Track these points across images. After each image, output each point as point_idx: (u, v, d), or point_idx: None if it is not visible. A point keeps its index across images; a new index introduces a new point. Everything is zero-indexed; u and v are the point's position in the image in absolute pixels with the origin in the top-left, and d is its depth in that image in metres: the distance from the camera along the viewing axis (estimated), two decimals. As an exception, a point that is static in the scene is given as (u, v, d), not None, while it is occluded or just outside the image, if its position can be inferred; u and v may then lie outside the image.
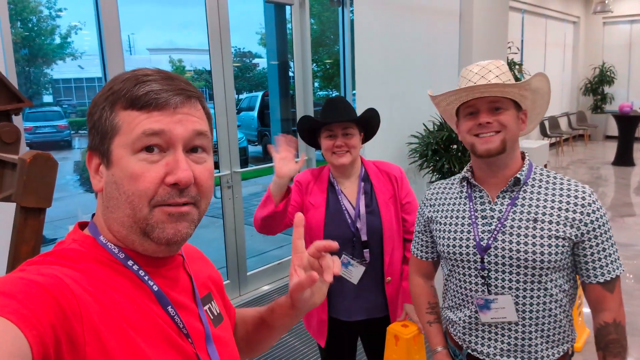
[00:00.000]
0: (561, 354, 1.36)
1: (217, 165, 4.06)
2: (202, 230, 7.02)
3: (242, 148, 11.85)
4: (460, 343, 1.46)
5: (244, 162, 11.57)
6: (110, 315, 0.64)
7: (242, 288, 4.20)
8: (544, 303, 1.31)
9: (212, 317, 0.83)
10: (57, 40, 23.82)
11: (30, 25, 22.35)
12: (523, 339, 1.34)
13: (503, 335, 1.36)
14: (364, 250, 1.87)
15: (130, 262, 0.71)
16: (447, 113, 1.47)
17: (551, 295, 1.31)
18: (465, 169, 1.45)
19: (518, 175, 1.34)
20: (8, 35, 2.81)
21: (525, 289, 1.31)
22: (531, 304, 1.31)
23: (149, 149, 0.68)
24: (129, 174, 0.68)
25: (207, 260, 0.97)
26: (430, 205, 1.52)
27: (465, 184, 1.44)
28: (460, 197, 1.44)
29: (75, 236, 0.73)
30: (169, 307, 0.73)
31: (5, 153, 1.52)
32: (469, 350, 1.43)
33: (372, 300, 1.93)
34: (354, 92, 4.39)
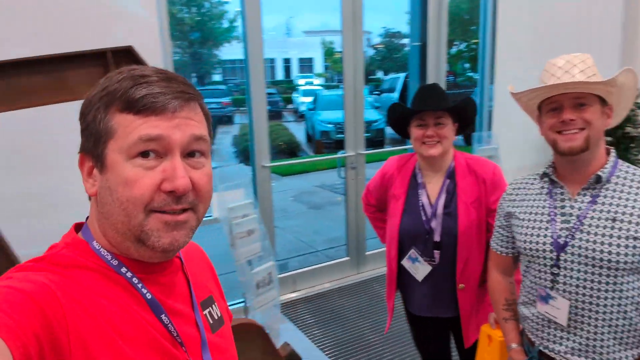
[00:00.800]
0: (635, 356, 1.31)
1: (342, 145, 4.17)
2: (335, 207, 7.27)
3: (380, 129, 11.92)
4: (533, 339, 1.46)
5: (379, 144, 11.59)
6: (98, 324, 0.63)
7: (361, 266, 4.30)
8: (619, 305, 1.28)
9: (211, 322, 0.81)
10: (225, 24, 26.32)
11: (202, 10, 25.05)
12: (595, 339, 1.31)
13: (575, 334, 1.34)
14: (435, 250, 1.80)
15: (123, 270, 0.70)
16: (529, 108, 1.41)
17: (627, 298, 1.27)
18: (546, 165, 1.42)
19: (600, 173, 1.30)
20: (165, 21, 3.21)
21: (599, 289, 1.28)
22: (605, 305, 1.28)
23: (144, 154, 0.66)
24: (123, 179, 0.65)
25: (209, 260, 0.94)
26: (510, 200, 1.50)
27: (547, 180, 1.41)
28: (541, 194, 1.42)
29: (69, 240, 0.71)
30: (163, 315, 0.71)
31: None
32: (541, 347, 1.43)
33: (438, 301, 1.86)
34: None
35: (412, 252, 1.84)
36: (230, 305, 3.48)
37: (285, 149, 12.30)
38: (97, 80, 1.77)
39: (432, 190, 1.84)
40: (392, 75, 17.49)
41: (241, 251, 3.14)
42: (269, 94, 19.80)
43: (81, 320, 0.61)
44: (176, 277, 0.78)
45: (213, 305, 0.84)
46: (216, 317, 0.83)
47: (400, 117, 1.82)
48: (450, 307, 1.85)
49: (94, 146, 0.68)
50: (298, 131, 14.73)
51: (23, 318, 0.55)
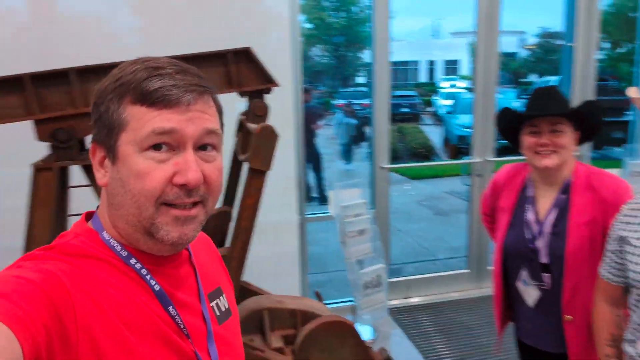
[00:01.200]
0: None
1: (468, 152, 3.95)
2: (461, 215, 6.92)
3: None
4: None
5: (515, 151, 10.67)
6: (105, 314, 0.63)
7: (481, 281, 4.03)
8: None
9: (218, 314, 0.80)
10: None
11: (349, 14, 25.71)
12: None
13: None
14: (544, 273, 1.60)
15: (132, 261, 0.70)
16: None
17: None
18: None
19: None
20: (297, 28, 3.37)
21: None
22: None
23: (157, 146, 0.66)
24: (135, 172, 0.65)
25: (217, 251, 0.93)
26: (625, 223, 1.31)
27: None
28: None
29: (79, 230, 0.72)
30: (170, 307, 0.71)
31: (255, 124, 1.90)
32: None
33: (545, 333, 1.65)
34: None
35: (523, 274, 1.67)
36: (339, 303, 3.50)
37: (419, 152, 12.06)
38: (218, 81, 1.93)
39: (542, 206, 1.65)
40: (544, 78, 16.04)
41: (351, 250, 3.17)
42: (409, 96, 19.60)
43: (89, 310, 0.62)
44: (184, 268, 0.78)
45: (221, 297, 0.83)
46: (223, 309, 0.82)
47: (511, 124, 1.65)
48: (557, 341, 1.64)
49: (106, 137, 0.68)
50: (435, 135, 14.33)
51: (32, 308, 0.56)
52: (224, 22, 2.97)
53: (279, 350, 1.99)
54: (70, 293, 0.61)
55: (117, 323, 0.64)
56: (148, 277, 0.70)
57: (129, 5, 3.07)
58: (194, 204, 0.68)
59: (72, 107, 1.80)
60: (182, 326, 0.72)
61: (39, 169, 1.79)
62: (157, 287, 0.70)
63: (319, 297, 2.37)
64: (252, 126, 1.79)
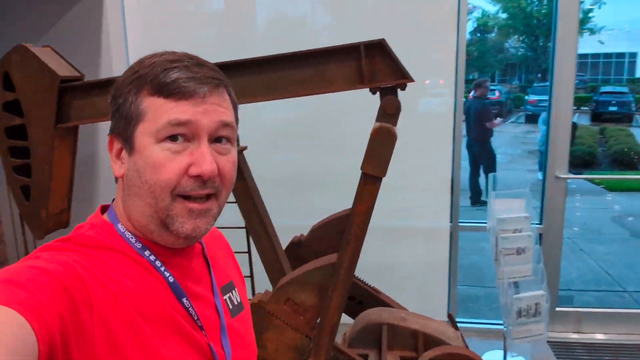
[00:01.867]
0: None
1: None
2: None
3: None
4: None
5: None
6: (121, 304, 0.64)
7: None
8: None
9: (230, 307, 0.81)
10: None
11: (550, 2, 23.04)
12: None
13: None
14: None
15: (147, 252, 0.71)
16: None
17: None
18: None
19: None
20: (463, 15, 3.07)
21: None
22: None
23: (173, 137, 0.66)
24: (152, 162, 0.66)
25: (229, 246, 0.93)
26: None
27: None
28: None
29: (95, 221, 0.73)
30: (184, 298, 0.72)
31: (385, 122, 1.75)
32: None
33: None
34: None
35: None
36: (489, 325, 3.14)
37: (623, 159, 10.22)
38: (351, 74, 1.82)
39: None
40: None
41: (504, 270, 2.78)
42: (620, 93, 16.75)
43: (105, 301, 0.62)
44: (197, 261, 0.79)
45: (233, 291, 0.84)
46: (236, 303, 0.83)
47: None
48: None
49: (123, 128, 0.69)
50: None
51: (48, 298, 0.57)
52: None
53: (394, 372, 1.82)
54: (86, 284, 0.62)
55: (133, 313, 0.65)
56: (162, 268, 0.71)
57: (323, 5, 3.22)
58: (208, 197, 0.69)
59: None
60: (195, 318, 0.73)
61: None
62: (171, 279, 0.71)
63: (452, 320, 2.11)
64: (378, 125, 1.64)
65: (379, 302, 2.28)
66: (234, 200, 1.97)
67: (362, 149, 1.70)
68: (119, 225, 0.72)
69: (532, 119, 15.52)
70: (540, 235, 3.35)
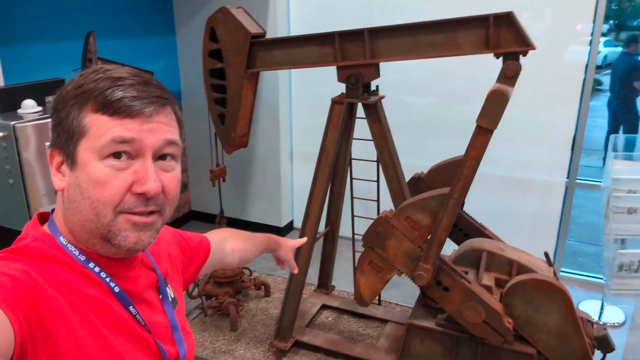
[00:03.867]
0: None
1: None
2: None
3: None
4: None
5: None
6: (78, 308, 0.66)
7: None
8: None
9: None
10: None
11: None
12: None
13: None
14: None
15: (91, 265, 0.71)
16: None
17: None
18: None
19: None
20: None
21: None
22: None
23: (116, 155, 0.67)
24: (94, 179, 0.66)
25: (169, 238, 0.96)
26: None
27: None
28: None
29: (36, 233, 0.72)
30: (130, 307, 0.74)
31: (505, 84, 2.09)
32: None
33: None
34: None
35: None
36: (590, 277, 3.39)
37: None
38: (480, 41, 2.18)
39: None
40: None
41: (613, 227, 2.99)
42: None
43: (63, 304, 0.64)
44: (141, 266, 0.81)
45: (167, 288, 0.86)
46: (170, 299, 0.85)
47: None
48: None
49: (65, 143, 0.69)
50: None
51: (14, 299, 0.58)
52: None
53: (487, 289, 2.27)
54: (44, 288, 0.63)
55: (90, 317, 0.67)
56: (107, 279, 0.72)
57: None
58: (151, 213, 0.71)
59: (363, 59, 2.37)
60: (143, 323, 0.76)
61: (335, 102, 2.48)
62: (116, 289, 0.73)
63: (547, 258, 2.47)
64: (495, 87, 2.00)
65: (484, 235, 2.69)
66: (372, 138, 2.50)
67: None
68: (61, 238, 0.71)
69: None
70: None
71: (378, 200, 2.93)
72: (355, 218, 3.03)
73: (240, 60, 2.56)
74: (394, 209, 2.37)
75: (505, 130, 3.01)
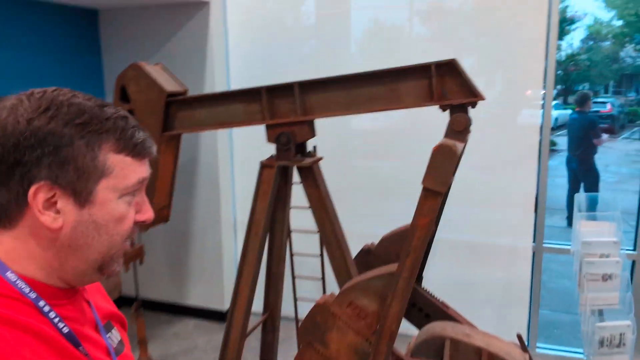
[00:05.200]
0: None
1: None
2: None
3: None
4: None
5: None
6: (37, 348, 0.66)
7: None
8: None
9: (114, 346, 0.82)
10: None
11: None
12: None
13: None
14: None
15: (41, 303, 0.69)
16: None
17: None
18: None
19: None
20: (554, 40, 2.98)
21: None
22: None
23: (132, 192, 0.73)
24: (117, 217, 0.71)
25: (101, 286, 0.91)
26: None
27: None
28: None
29: None
30: (80, 347, 0.72)
31: (453, 139, 1.80)
32: None
33: None
34: None
35: None
36: (568, 352, 3.01)
37: None
38: (423, 92, 1.90)
39: None
40: None
41: (589, 297, 2.66)
42: None
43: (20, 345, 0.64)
44: (81, 303, 0.79)
45: (113, 330, 0.85)
46: (117, 342, 0.84)
47: None
48: None
49: (77, 180, 0.67)
50: None
51: None
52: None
53: (454, 385, 1.86)
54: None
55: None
56: (56, 320, 0.70)
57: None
58: None
59: (294, 116, 2.06)
60: None
61: (264, 165, 2.13)
62: (65, 330, 0.71)
63: (521, 342, 2.08)
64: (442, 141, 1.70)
65: (447, 316, 2.30)
66: (309, 206, 2.14)
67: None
68: (8, 274, 0.68)
69: (649, 135, 14.26)
70: (634, 262, 3.13)
71: (323, 279, 2.52)
72: (298, 302, 2.59)
73: (154, 122, 2.21)
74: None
75: (465, 192, 2.88)
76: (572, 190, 6.62)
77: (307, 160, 2.10)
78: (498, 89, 3.26)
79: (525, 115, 3.22)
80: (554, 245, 3.33)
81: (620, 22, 21.20)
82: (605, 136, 7.19)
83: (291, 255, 2.55)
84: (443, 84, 1.87)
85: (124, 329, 0.91)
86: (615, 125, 15.94)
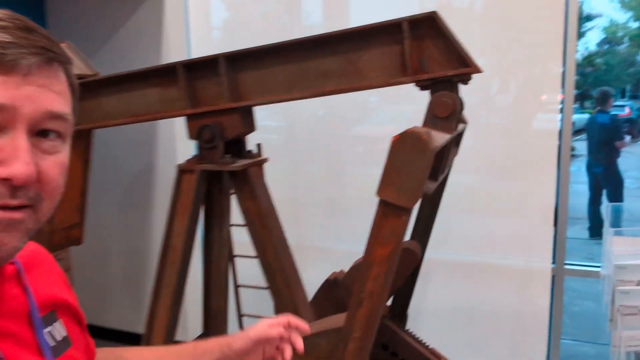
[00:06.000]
0: None
1: None
2: None
3: None
4: None
5: None
6: None
7: None
8: None
9: (52, 344, 0.65)
10: None
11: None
12: None
13: None
14: None
15: None
16: None
17: None
18: None
19: None
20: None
21: None
22: None
23: None
24: None
25: (59, 270, 0.74)
26: None
27: None
28: None
29: None
30: None
31: (436, 129, 1.24)
32: None
33: None
34: None
35: None
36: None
37: None
38: (393, 63, 1.36)
39: None
40: None
41: (623, 335, 2.06)
42: None
43: None
44: (8, 288, 0.63)
45: (55, 323, 0.68)
46: (59, 339, 0.68)
47: None
48: None
49: None
50: None
51: None
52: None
53: None
54: None
55: None
56: None
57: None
58: (21, 207, 0.53)
59: (222, 101, 1.52)
60: None
61: (182, 170, 1.58)
62: None
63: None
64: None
65: (437, 368, 1.73)
66: (245, 223, 1.58)
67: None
68: None
69: (669, 138, 14.04)
70: (681, 290, 2.51)
71: (276, 317, 1.95)
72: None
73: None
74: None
75: (469, 202, 2.51)
76: (594, 197, 6.04)
77: (240, 163, 1.54)
78: (512, 93, 2.78)
79: (542, 119, 2.78)
80: (578, 267, 2.74)
81: (637, 24, 20.56)
82: (628, 138, 6.59)
83: (236, 287, 1.98)
84: (420, 51, 1.31)
85: (77, 324, 0.74)
86: (634, 129, 15.46)
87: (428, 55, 1.30)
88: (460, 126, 1.49)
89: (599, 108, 5.84)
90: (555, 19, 2.49)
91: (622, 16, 21.12)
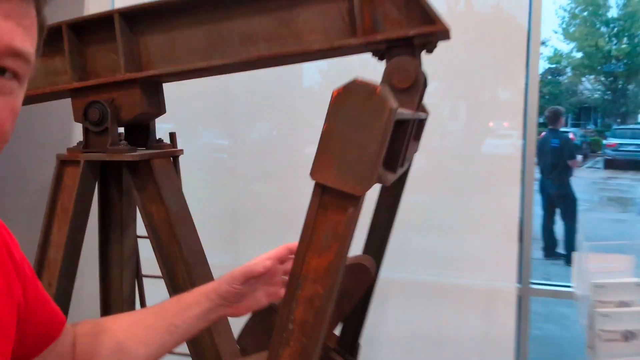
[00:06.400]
0: None
1: None
2: None
3: None
4: None
5: None
6: None
7: None
8: None
9: None
10: (666, 58, 21.83)
11: (631, 40, 21.50)
12: None
13: None
14: None
15: None
16: None
17: None
18: None
19: None
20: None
21: None
22: None
23: None
24: None
25: (7, 242, 0.60)
26: None
27: None
28: None
29: None
30: None
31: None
32: None
33: None
34: None
35: None
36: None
37: None
38: (338, 22, 1.08)
39: None
40: None
41: (604, 363, 1.80)
42: None
43: None
44: None
45: None
46: None
47: None
48: None
49: None
50: None
51: None
52: None
53: None
54: None
55: None
56: None
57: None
58: None
59: (117, 72, 1.17)
60: None
61: (62, 161, 1.20)
62: None
63: None
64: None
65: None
66: (145, 235, 1.21)
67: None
68: None
69: (612, 164, 15.10)
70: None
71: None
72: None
73: None
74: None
75: (429, 219, 2.43)
76: (548, 216, 5.99)
77: (139, 153, 1.18)
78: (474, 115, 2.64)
79: (503, 145, 2.66)
80: (546, 287, 2.50)
81: (579, 54, 21.77)
82: (579, 157, 6.67)
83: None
84: (373, 6, 1.01)
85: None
86: (572, 146, 16.41)
87: (383, 11, 1.00)
88: (422, 114, 1.20)
89: (550, 127, 5.85)
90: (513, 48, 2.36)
91: (566, 46, 22.40)
